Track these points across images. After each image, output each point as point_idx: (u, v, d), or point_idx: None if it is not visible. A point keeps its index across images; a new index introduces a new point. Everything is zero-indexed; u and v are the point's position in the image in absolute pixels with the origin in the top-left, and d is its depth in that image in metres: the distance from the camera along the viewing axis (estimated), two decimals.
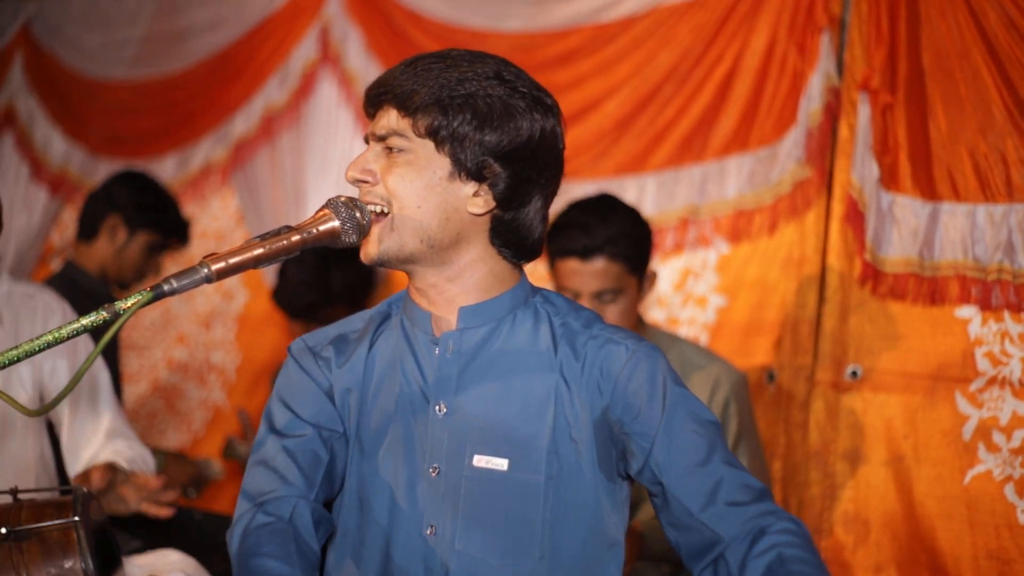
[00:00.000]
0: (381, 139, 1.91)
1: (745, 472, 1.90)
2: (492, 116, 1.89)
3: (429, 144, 1.89)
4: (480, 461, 1.95)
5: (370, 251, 1.92)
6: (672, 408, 1.91)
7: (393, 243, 1.91)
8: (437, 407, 1.98)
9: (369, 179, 1.91)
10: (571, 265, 3.09)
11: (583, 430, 1.95)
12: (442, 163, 1.90)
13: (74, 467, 2.91)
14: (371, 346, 2.06)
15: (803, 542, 1.80)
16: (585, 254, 3.07)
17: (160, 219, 4.09)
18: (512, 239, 1.97)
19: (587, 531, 1.97)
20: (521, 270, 2.05)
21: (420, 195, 1.89)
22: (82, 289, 3.93)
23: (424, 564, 1.95)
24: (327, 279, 4.01)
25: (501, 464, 1.95)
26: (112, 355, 4.15)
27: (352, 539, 2.03)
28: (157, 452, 3.84)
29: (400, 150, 1.90)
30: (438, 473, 1.96)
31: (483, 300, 1.98)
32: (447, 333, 1.99)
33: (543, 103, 1.94)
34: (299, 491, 1.97)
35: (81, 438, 2.91)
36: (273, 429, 2.03)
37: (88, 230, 4.09)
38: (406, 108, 1.88)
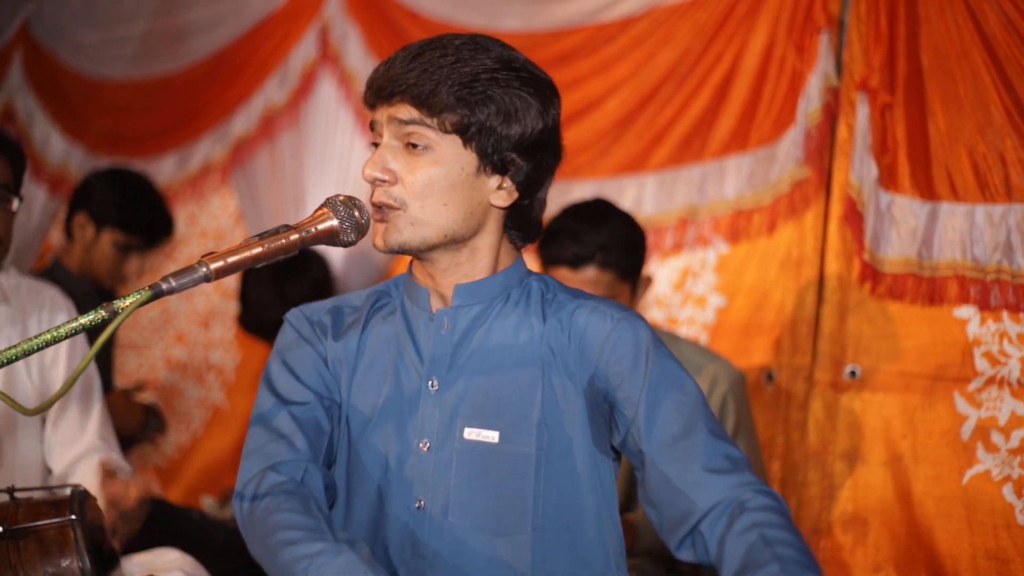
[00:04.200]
0: (403, 123, 1.90)
1: (726, 442, 1.89)
2: (515, 110, 1.92)
3: (456, 140, 1.91)
4: (471, 434, 1.96)
5: (390, 239, 1.92)
6: (655, 377, 1.91)
7: (415, 236, 1.92)
8: (430, 383, 1.99)
9: (388, 178, 1.91)
10: (561, 274, 3.08)
11: (572, 401, 1.96)
12: (469, 159, 1.92)
13: (55, 459, 2.90)
14: (366, 323, 2.08)
15: (784, 520, 1.78)
16: (575, 263, 3.07)
17: (126, 217, 4.00)
18: (525, 223, 2.03)
19: (581, 504, 1.98)
20: (519, 252, 2.07)
21: (446, 192, 1.91)
22: (63, 288, 3.90)
23: (412, 538, 1.96)
24: (284, 293, 4.02)
25: (492, 436, 1.96)
26: (107, 356, 4.14)
27: (342, 514, 2.04)
28: None
29: (425, 147, 1.90)
30: (428, 448, 1.98)
31: (480, 279, 2.00)
32: (442, 310, 2.01)
33: (545, 86, 1.98)
34: (307, 456, 1.97)
35: (65, 433, 2.90)
36: (278, 395, 2.03)
37: (67, 228, 4.09)
38: (430, 107, 1.88)
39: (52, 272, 3.98)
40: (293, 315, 2.12)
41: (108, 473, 2.67)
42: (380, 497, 2.00)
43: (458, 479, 1.96)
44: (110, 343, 4.19)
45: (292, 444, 1.97)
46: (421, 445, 1.98)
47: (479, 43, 1.95)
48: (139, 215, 4.05)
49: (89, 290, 3.98)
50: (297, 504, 1.88)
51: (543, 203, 2.05)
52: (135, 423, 3.90)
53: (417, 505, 1.97)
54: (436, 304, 2.02)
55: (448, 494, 1.96)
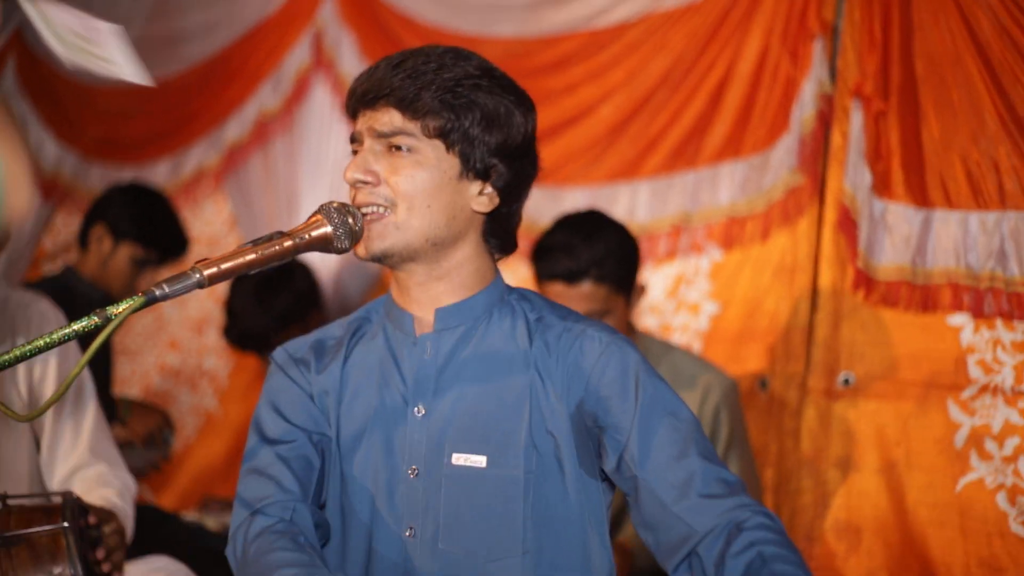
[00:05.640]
0: (383, 136, 1.91)
1: (720, 466, 1.89)
2: (499, 116, 1.93)
3: (439, 145, 1.91)
4: (459, 459, 1.96)
5: (372, 247, 1.91)
6: (646, 402, 1.91)
7: (398, 241, 1.91)
8: (416, 409, 1.99)
9: (371, 180, 1.91)
10: (557, 288, 3.09)
11: (560, 424, 1.95)
12: (452, 163, 1.92)
13: (51, 476, 2.88)
14: (349, 352, 2.07)
15: (781, 538, 1.78)
16: (571, 278, 3.07)
17: (145, 231, 4.03)
18: (503, 231, 2.03)
19: (571, 527, 1.97)
20: (497, 269, 2.06)
21: (431, 195, 1.91)
22: (76, 294, 3.91)
23: (404, 567, 1.96)
24: (269, 306, 4.05)
25: (480, 461, 1.95)
26: (105, 362, 4.14)
27: (336, 544, 2.03)
28: (122, 401, 3.86)
29: (409, 149, 1.90)
30: (417, 475, 1.97)
31: (460, 300, 1.99)
32: (425, 335, 2.00)
33: (525, 98, 2.00)
34: (295, 496, 1.97)
35: (59, 448, 2.87)
36: (264, 437, 2.03)
37: (82, 239, 4.10)
38: (414, 111, 1.89)
39: (64, 278, 4.00)
40: (277, 354, 2.12)
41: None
42: (373, 525, 1.99)
43: (447, 505, 1.95)
44: (108, 350, 4.19)
45: (280, 484, 1.97)
46: (409, 472, 1.98)
47: (460, 52, 1.96)
48: (157, 230, 4.08)
49: (102, 298, 3.97)
50: (289, 543, 1.88)
51: (520, 215, 2.06)
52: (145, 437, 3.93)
53: (408, 533, 1.96)
54: (419, 328, 2.02)
55: (438, 520, 1.95)
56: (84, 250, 4.08)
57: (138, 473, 3.88)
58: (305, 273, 4.23)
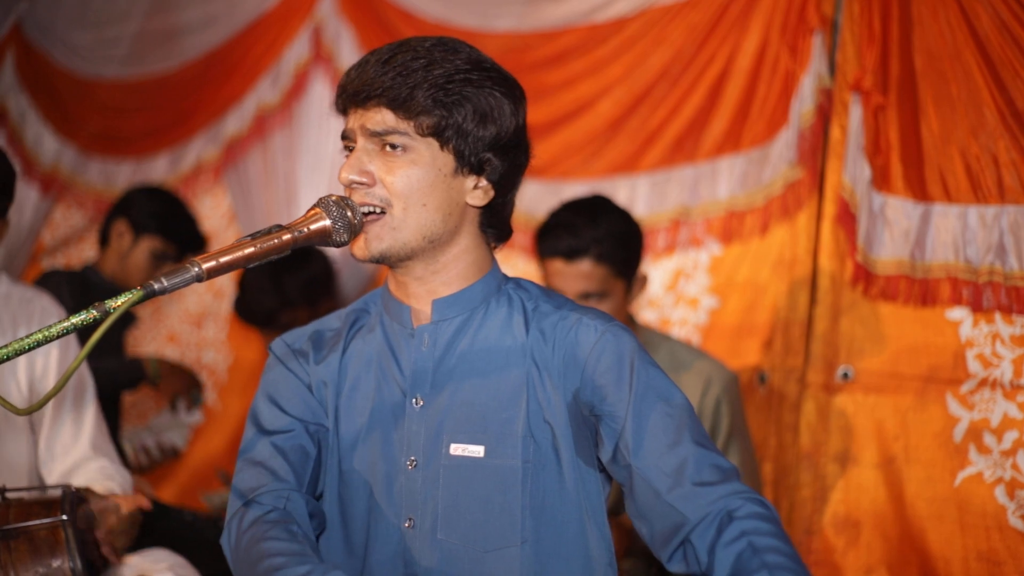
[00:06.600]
0: (376, 135, 1.91)
1: (715, 452, 1.88)
2: (490, 110, 1.93)
3: (433, 143, 1.91)
4: (457, 449, 1.96)
5: (371, 248, 1.92)
6: (641, 389, 1.91)
7: (396, 241, 1.92)
8: (414, 400, 1.99)
9: (366, 180, 1.91)
10: (557, 265, 3.11)
11: (557, 413, 1.96)
12: (446, 160, 1.92)
13: (50, 471, 2.87)
14: (347, 343, 2.08)
15: (773, 527, 1.77)
16: (570, 255, 3.08)
17: (166, 225, 4.09)
18: (499, 221, 2.03)
19: (569, 516, 1.97)
20: (494, 258, 2.07)
21: (426, 193, 1.91)
22: (95, 291, 3.93)
23: (403, 557, 1.97)
24: (281, 285, 4.08)
25: (477, 451, 1.96)
26: (120, 330, 4.18)
27: (334, 535, 2.04)
28: (151, 361, 3.89)
29: (403, 148, 1.90)
30: (415, 466, 1.98)
31: (458, 291, 2.00)
32: (422, 326, 2.00)
33: (514, 87, 1.99)
34: (290, 485, 1.97)
35: (58, 443, 2.88)
36: (261, 428, 2.04)
37: (103, 236, 4.17)
38: (407, 111, 1.89)
39: (84, 276, 4.03)
40: (276, 346, 2.12)
41: (95, 492, 2.66)
42: (371, 516, 2.00)
43: (445, 495, 1.96)
44: (120, 346, 4.22)
45: (275, 474, 1.98)
46: (408, 463, 1.98)
47: (448, 44, 1.96)
48: (177, 224, 4.15)
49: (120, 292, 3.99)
50: (281, 532, 1.89)
51: (513, 203, 2.07)
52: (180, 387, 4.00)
53: (407, 524, 1.97)
54: (416, 320, 2.02)
55: (436, 511, 1.96)
56: (104, 247, 4.14)
57: (164, 451, 3.92)
58: (322, 259, 4.26)
